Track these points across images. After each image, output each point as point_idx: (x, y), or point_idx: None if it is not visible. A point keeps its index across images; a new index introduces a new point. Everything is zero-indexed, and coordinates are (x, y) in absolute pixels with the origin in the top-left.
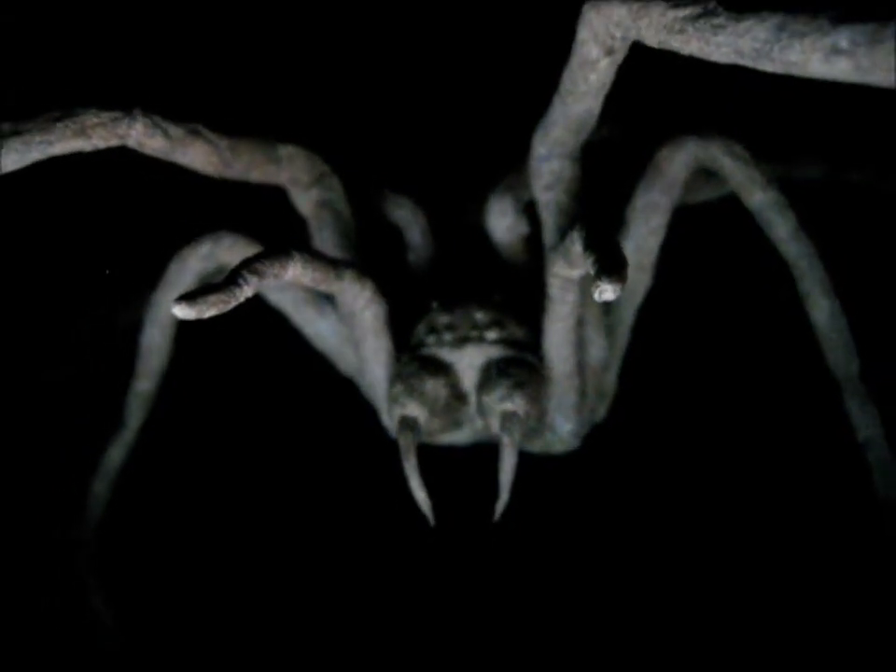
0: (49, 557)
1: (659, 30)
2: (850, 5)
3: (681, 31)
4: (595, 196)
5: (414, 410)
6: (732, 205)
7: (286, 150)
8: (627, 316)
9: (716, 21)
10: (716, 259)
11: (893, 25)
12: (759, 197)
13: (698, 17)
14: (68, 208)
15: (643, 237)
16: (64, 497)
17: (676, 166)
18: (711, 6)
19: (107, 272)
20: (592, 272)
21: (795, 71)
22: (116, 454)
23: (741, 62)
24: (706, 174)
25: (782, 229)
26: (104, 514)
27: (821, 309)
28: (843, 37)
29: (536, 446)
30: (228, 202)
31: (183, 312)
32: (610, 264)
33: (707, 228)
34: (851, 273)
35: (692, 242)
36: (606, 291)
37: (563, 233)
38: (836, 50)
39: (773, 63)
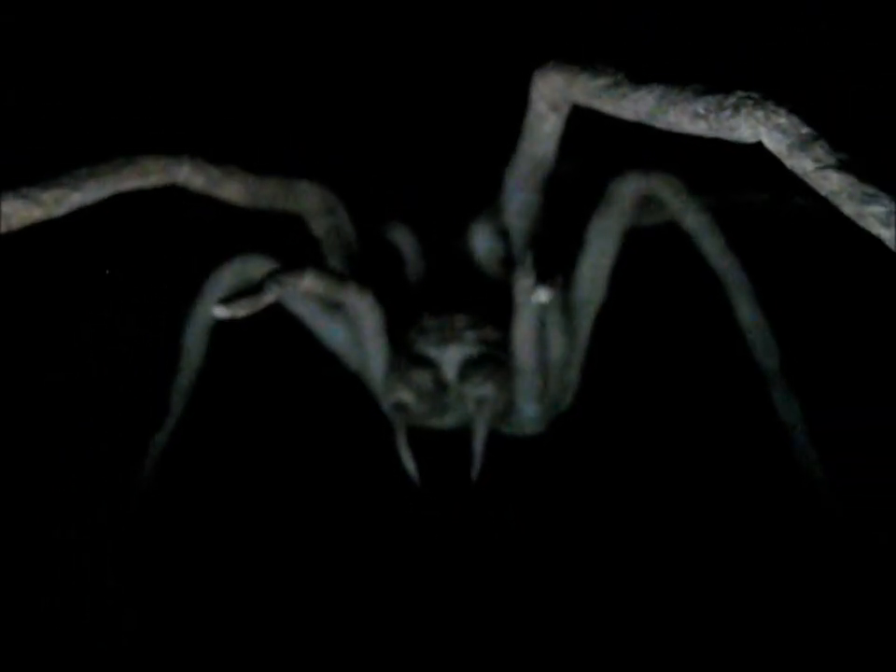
0: (49, 557)
1: (584, 95)
2: (713, 79)
3: (599, 97)
4: (557, 222)
5: (405, 396)
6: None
7: (301, 186)
8: (585, 323)
9: (621, 90)
10: (661, 275)
11: (734, 96)
12: (692, 220)
13: (610, 86)
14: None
15: (597, 256)
16: (64, 497)
17: (624, 196)
18: (619, 78)
19: (107, 272)
20: (532, 281)
21: (674, 129)
22: (160, 438)
23: (640, 120)
24: (650, 202)
25: (712, 246)
26: (148, 493)
27: (746, 312)
28: (700, 105)
29: (506, 428)
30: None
31: (222, 312)
32: (545, 276)
33: (654, 247)
34: (771, 281)
35: (641, 259)
36: (540, 295)
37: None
38: (697, 115)
39: (659, 123)
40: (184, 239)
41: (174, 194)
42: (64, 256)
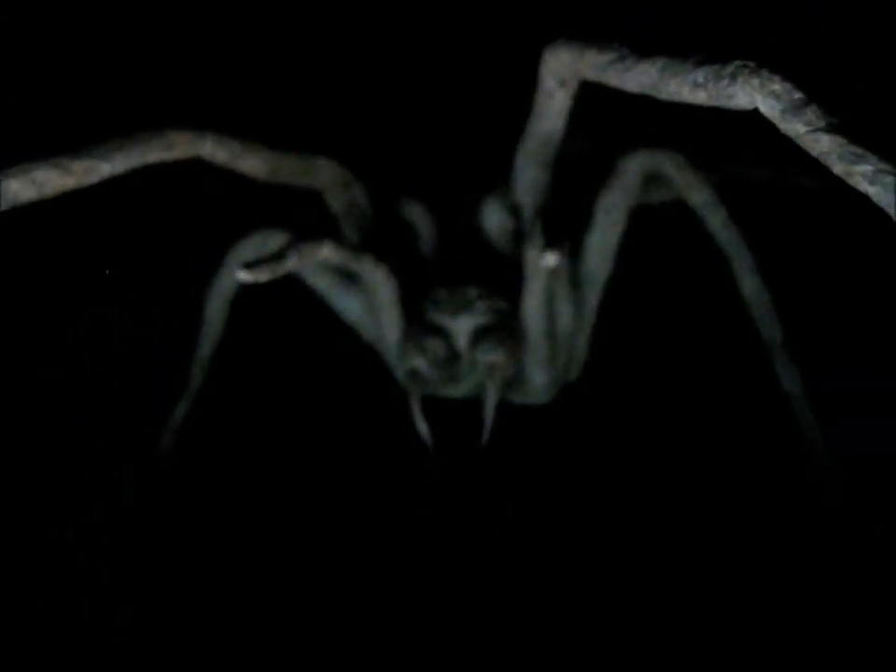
0: (48, 558)
1: (592, 69)
2: (713, 49)
3: (605, 71)
4: (567, 198)
5: (419, 364)
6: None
7: (321, 162)
8: (592, 296)
9: (626, 64)
10: (668, 250)
11: (731, 65)
12: (696, 196)
13: (615, 61)
14: (68, 209)
15: (605, 231)
16: (64, 497)
17: (631, 173)
18: (624, 52)
19: (107, 272)
20: (540, 248)
21: (675, 99)
22: (181, 408)
23: (644, 92)
24: (656, 179)
25: (716, 221)
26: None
27: (749, 286)
28: (700, 75)
29: (516, 396)
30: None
31: (245, 276)
32: (551, 242)
33: (662, 224)
34: (775, 257)
35: (650, 236)
36: (548, 259)
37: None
38: (696, 84)
39: (662, 94)
40: (187, 232)
41: (178, 185)
42: (65, 256)
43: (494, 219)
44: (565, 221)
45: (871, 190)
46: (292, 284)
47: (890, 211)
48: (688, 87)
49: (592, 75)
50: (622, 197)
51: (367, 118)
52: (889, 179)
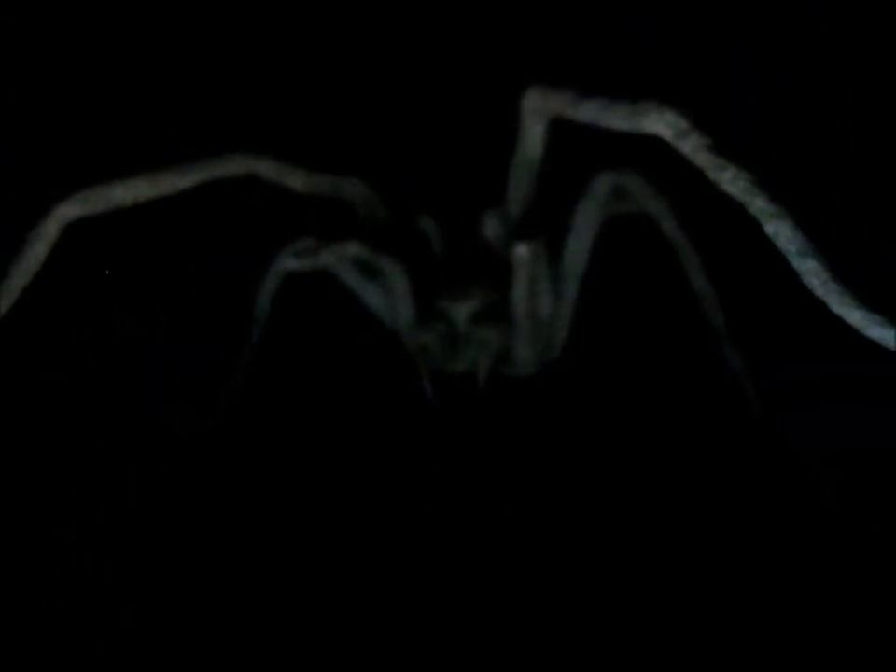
0: (48, 558)
1: (556, 108)
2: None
3: (563, 109)
4: (550, 209)
5: (428, 341)
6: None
7: (350, 181)
8: (570, 287)
9: (577, 103)
10: (633, 250)
11: (643, 104)
12: (653, 207)
13: (573, 101)
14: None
15: (581, 236)
16: (65, 497)
17: (601, 190)
18: (576, 95)
19: (107, 272)
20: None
21: (610, 126)
22: (229, 393)
23: (591, 122)
24: (622, 194)
25: (668, 226)
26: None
27: (696, 279)
28: (623, 111)
29: (506, 369)
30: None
31: (293, 263)
32: (525, 239)
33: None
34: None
35: (619, 240)
36: (520, 251)
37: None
38: (622, 117)
39: (601, 124)
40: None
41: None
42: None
43: (491, 227)
44: (548, 226)
45: (732, 190)
46: (327, 282)
47: (748, 205)
48: (616, 118)
49: (557, 112)
50: (595, 207)
51: (387, 148)
52: (743, 183)
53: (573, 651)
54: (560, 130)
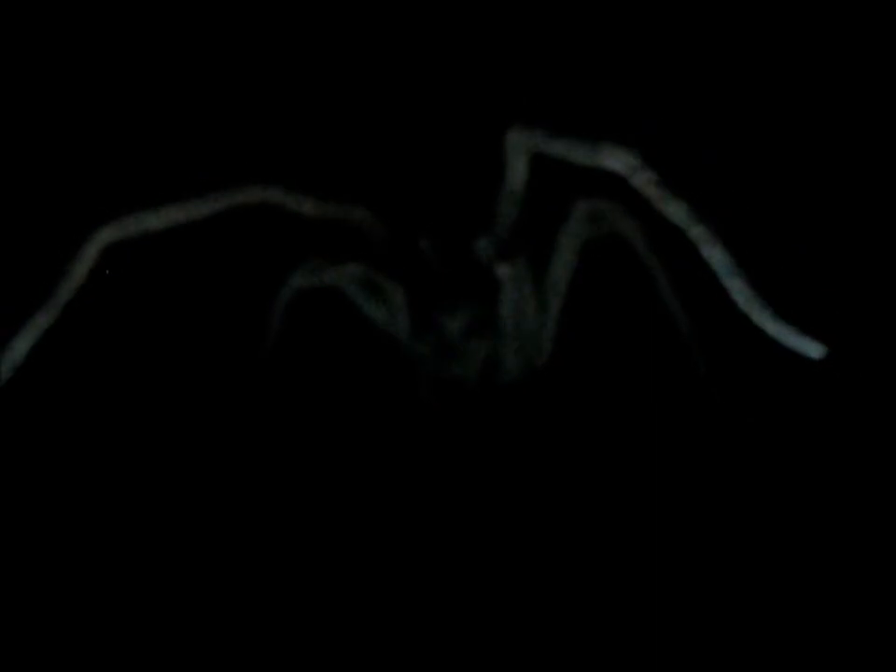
0: (49, 559)
1: (534, 145)
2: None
3: (538, 146)
4: (536, 231)
5: (425, 350)
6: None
7: (358, 209)
8: (554, 301)
9: (550, 141)
10: (610, 271)
11: (601, 143)
12: (626, 229)
13: (545, 140)
14: (69, 207)
15: (563, 254)
16: (65, 497)
17: (581, 214)
18: (547, 133)
19: (107, 272)
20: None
21: (576, 161)
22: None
23: (560, 157)
24: (599, 218)
25: (638, 245)
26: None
27: (663, 291)
28: (585, 147)
29: (495, 377)
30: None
31: (304, 281)
32: (505, 259)
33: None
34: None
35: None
36: (501, 270)
37: None
38: (585, 154)
39: (570, 159)
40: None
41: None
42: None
43: (481, 249)
44: (533, 247)
45: (673, 218)
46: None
47: (686, 232)
48: (579, 155)
49: (534, 148)
50: (575, 230)
51: (393, 176)
52: (682, 213)
53: (568, 646)
54: (545, 164)
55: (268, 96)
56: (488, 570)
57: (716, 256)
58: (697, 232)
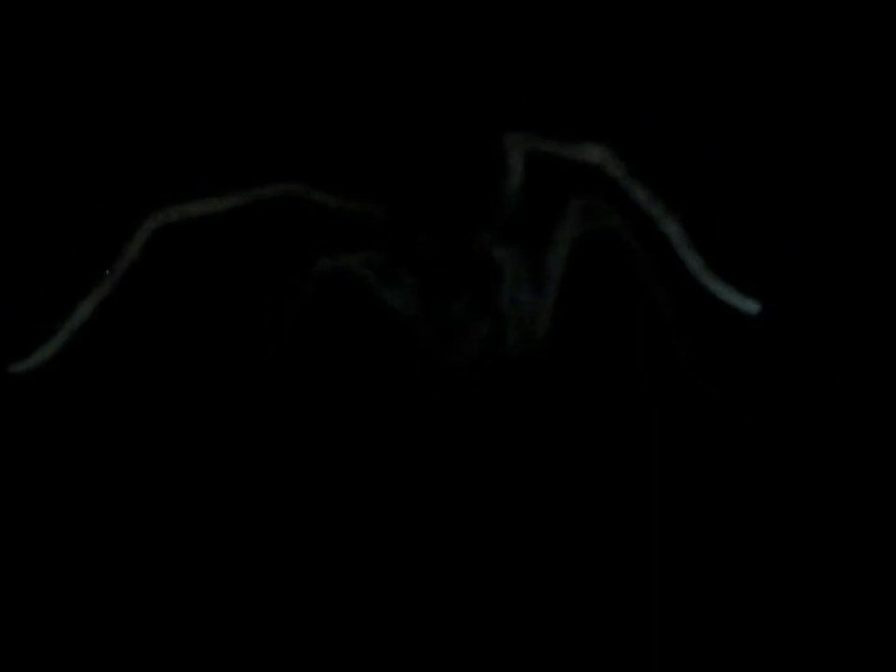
0: (49, 560)
1: (529, 146)
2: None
3: (533, 146)
4: (535, 225)
5: (431, 331)
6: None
7: (373, 204)
8: (550, 286)
9: (542, 141)
10: (601, 262)
11: (585, 142)
12: (614, 223)
13: (531, 140)
14: (69, 207)
15: (559, 246)
16: (64, 496)
17: (575, 209)
18: (542, 135)
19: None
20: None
21: (562, 156)
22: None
23: (551, 153)
24: (591, 214)
25: (626, 237)
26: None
27: (648, 280)
28: (572, 146)
29: (494, 355)
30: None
31: (327, 268)
32: (503, 244)
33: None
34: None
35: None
36: (501, 252)
37: None
38: (573, 150)
39: (560, 155)
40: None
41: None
42: (63, 254)
43: (484, 241)
44: (532, 239)
45: (639, 201)
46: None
47: (649, 211)
48: (566, 151)
49: (529, 148)
50: (570, 224)
51: (407, 175)
52: (645, 196)
53: (564, 641)
54: (543, 166)
55: (273, 98)
56: (487, 546)
57: (672, 230)
58: (656, 212)
